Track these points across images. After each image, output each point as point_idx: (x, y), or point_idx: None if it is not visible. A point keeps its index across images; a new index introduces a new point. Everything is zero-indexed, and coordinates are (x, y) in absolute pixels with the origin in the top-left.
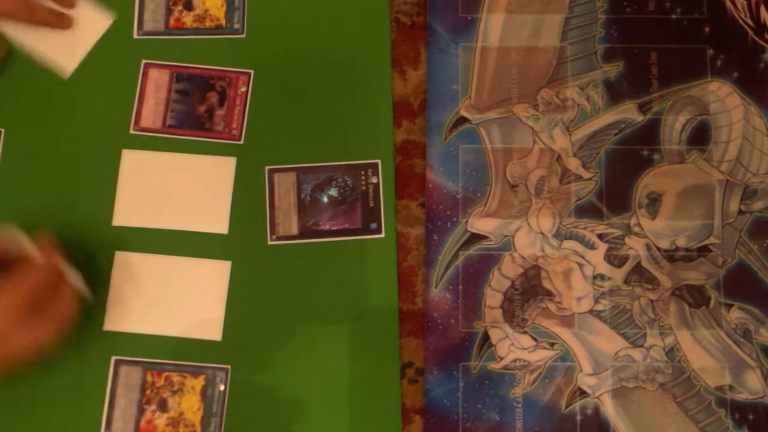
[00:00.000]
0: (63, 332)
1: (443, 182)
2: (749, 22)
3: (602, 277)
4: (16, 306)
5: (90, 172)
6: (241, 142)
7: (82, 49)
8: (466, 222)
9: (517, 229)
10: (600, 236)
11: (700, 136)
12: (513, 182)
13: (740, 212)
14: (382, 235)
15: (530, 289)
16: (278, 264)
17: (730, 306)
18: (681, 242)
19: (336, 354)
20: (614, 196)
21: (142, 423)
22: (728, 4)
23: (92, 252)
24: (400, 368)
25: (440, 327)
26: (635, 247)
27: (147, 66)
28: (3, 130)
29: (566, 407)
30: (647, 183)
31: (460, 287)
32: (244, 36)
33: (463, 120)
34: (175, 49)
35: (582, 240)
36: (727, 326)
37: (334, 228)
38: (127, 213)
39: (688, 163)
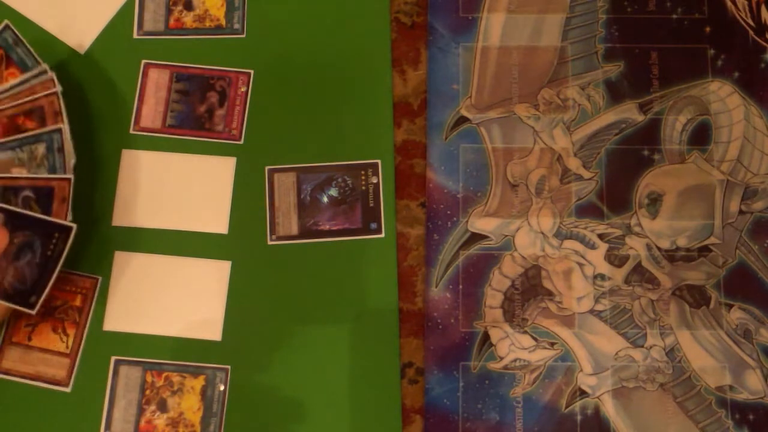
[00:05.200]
0: None
1: (444, 182)
2: (750, 22)
3: (602, 276)
4: None
5: (90, 172)
6: (241, 142)
7: (100, 22)
8: (467, 222)
9: (518, 229)
10: (600, 236)
11: (701, 136)
12: (513, 182)
13: (741, 212)
14: (382, 235)
15: (530, 288)
16: (278, 264)
17: (730, 306)
18: (681, 242)
19: (336, 354)
20: (615, 195)
21: (142, 423)
22: (729, 4)
23: (92, 252)
24: (400, 368)
25: (440, 327)
26: (636, 247)
27: (147, 66)
28: None
29: (566, 407)
30: (648, 183)
31: (461, 287)
32: (244, 36)
33: (463, 119)
34: (175, 49)
35: (582, 240)
36: (727, 326)
37: (334, 228)
38: (127, 213)
39: (688, 163)
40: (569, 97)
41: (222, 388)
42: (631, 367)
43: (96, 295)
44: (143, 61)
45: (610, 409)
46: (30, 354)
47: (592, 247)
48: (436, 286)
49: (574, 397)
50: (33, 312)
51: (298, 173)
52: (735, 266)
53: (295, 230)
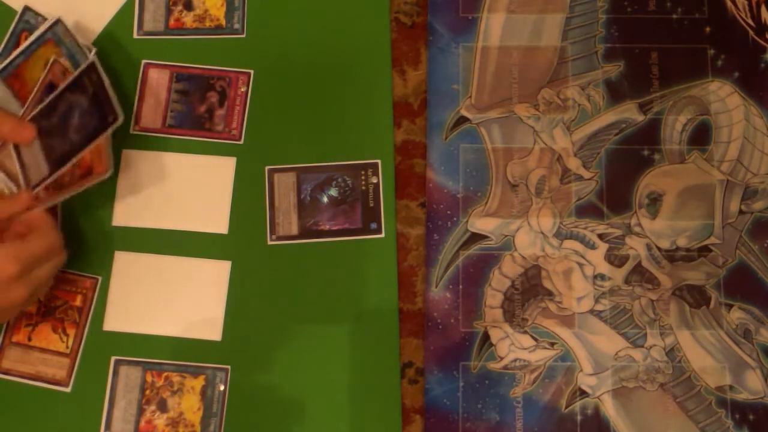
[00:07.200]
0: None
1: (443, 182)
2: (750, 22)
3: (602, 276)
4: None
5: None
6: (241, 142)
7: (100, 23)
8: (467, 222)
9: (518, 229)
10: (600, 236)
11: (701, 136)
12: (513, 182)
13: (741, 212)
14: (382, 235)
15: (530, 288)
16: (278, 264)
17: (730, 306)
18: (681, 242)
19: (336, 354)
20: (615, 195)
21: (142, 423)
22: (729, 4)
23: (92, 252)
24: (400, 368)
25: (440, 327)
26: (636, 247)
27: (147, 66)
28: None
29: (566, 407)
30: (648, 183)
31: (461, 287)
32: (244, 36)
33: (463, 119)
34: (175, 49)
35: (582, 240)
36: (727, 326)
37: (334, 228)
38: (127, 213)
39: (688, 163)
40: (569, 97)
41: (222, 388)
42: (631, 367)
43: (96, 295)
44: (143, 61)
45: (610, 409)
46: (30, 354)
47: (592, 247)
48: (436, 286)
49: (574, 397)
50: (119, 121)
51: (298, 173)
52: (735, 266)
53: (295, 230)
